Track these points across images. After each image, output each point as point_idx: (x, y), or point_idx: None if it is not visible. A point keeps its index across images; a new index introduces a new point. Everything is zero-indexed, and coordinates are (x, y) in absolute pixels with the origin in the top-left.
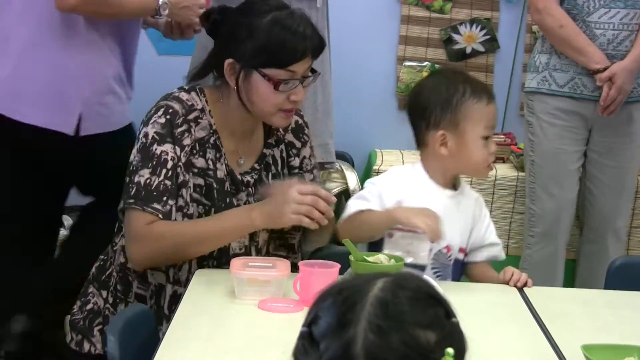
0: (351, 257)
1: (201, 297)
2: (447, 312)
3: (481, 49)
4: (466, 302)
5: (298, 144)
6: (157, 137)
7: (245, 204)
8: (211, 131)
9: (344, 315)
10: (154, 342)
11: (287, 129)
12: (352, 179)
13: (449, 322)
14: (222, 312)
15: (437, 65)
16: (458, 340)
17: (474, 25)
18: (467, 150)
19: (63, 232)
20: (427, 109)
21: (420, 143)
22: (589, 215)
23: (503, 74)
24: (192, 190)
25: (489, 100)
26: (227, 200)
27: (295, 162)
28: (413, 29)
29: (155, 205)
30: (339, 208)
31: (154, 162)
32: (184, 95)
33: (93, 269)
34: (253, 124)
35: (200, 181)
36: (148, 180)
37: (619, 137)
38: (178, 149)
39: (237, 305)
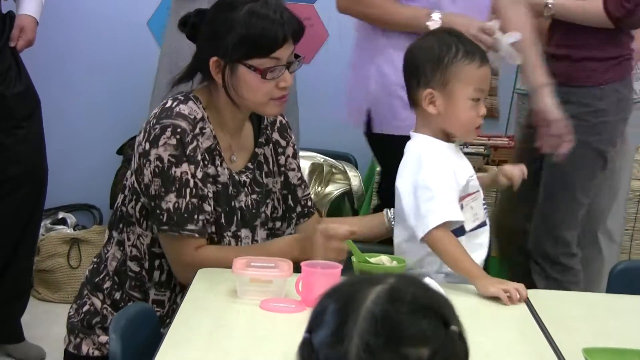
0: (353, 258)
1: (203, 296)
2: (445, 321)
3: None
4: (467, 304)
5: (283, 143)
6: (172, 159)
7: (244, 205)
8: (213, 137)
9: (338, 328)
10: (156, 340)
11: (274, 127)
12: (355, 180)
13: (446, 332)
14: (223, 312)
15: None
16: (454, 351)
17: None
18: (454, 110)
19: (67, 231)
20: (419, 68)
21: (413, 102)
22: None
23: (507, 78)
24: (211, 199)
25: (481, 62)
26: (232, 204)
27: (282, 160)
28: None
29: (190, 227)
30: (342, 210)
31: (177, 185)
32: (184, 109)
33: (87, 272)
34: (242, 120)
35: (213, 188)
36: (176, 205)
37: None
38: (193, 167)
39: (238, 305)
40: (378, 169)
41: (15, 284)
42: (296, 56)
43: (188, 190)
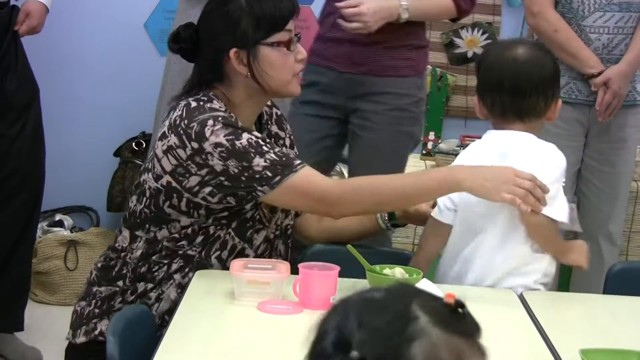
0: (366, 268)
1: (200, 298)
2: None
3: None
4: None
5: (282, 135)
6: (231, 136)
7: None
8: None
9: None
10: (154, 343)
11: (272, 120)
12: None
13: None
14: (221, 314)
15: (438, 70)
16: None
17: (476, 30)
18: None
19: (64, 233)
20: (549, 81)
21: (531, 114)
22: (583, 219)
23: None
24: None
25: None
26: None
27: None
28: None
29: (297, 162)
30: None
31: (253, 150)
32: (215, 105)
33: (92, 276)
34: (256, 114)
35: None
36: (267, 160)
37: (614, 142)
38: (252, 135)
39: (236, 306)
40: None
41: (14, 285)
42: (297, 33)
43: (265, 147)
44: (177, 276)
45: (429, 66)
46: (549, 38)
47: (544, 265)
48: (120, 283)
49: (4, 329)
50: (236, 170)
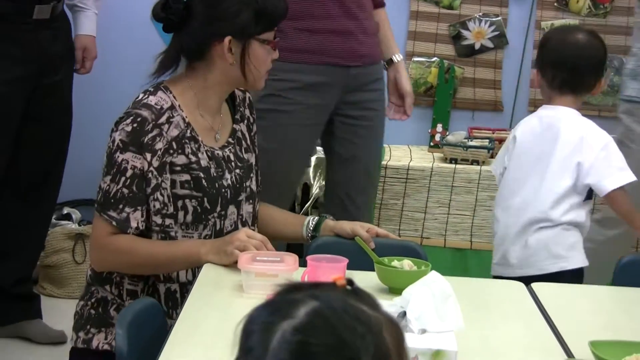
0: (374, 260)
1: (209, 291)
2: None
3: (490, 45)
4: (473, 298)
5: (252, 119)
6: (120, 144)
7: (230, 182)
8: (185, 125)
9: (260, 347)
10: (162, 335)
11: (245, 104)
12: None
13: None
14: (229, 307)
15: (446, 62)
16: None
17: (483, 22)
18: None
19: (72, 226)
20: (601, 64)
21: (583, 89)
22: None
23: (512, 71)
24: (180, 187)
25: None
26: (217, 184)
27: (253, 136)
28: (422, 24)
29: (111, 213)
30: None
31: (114, 170)
32: (152, 100)
33: (88, 275)
34: (222, 99)
35: (186, 176)
36: (108, 187)
37: None
38: (148, 155)
39: (245, 299)
40: (383, 162)
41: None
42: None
43: (122, 179)
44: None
45: (435, 58)
46: None
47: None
48: (108, 287)
49: (32, 315)
50: (102, 171)
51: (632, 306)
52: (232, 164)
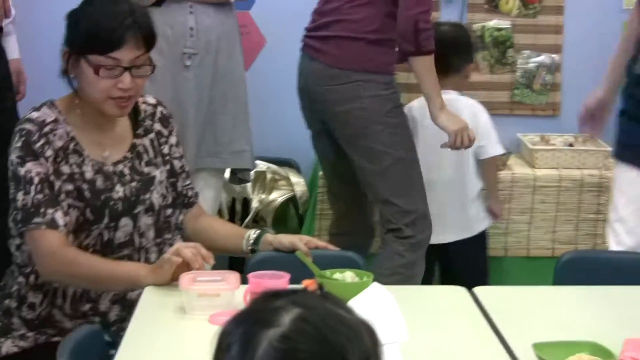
0: (316, 273)
1: (151, 314)
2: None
3: None
4: (416, 306)
5: (166, 132)
6: (18, 160)
7: (122, 196)
8: (68, 139)
9: (244, 358)
10: None
11: (154, 118)
12: (299, 185)
13: None
14: (173, 329)
15: None
16: None
17: None
18: None
19: None
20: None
21: (453, 70)
22: None
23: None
24: (65, 196)
25: None
26: (102, 197)
27: (165, 149)
28: None
29: (36, 220)
30: (287, 216)
31: (22, 184)
32: (34, 115)
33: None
34: (104, 116)
35: (70, 186)
36: (23, 201)
37: None
38: (44, 161)
39: (188, 321)
40: (321, 173)
41: None
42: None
43: (32, 187)
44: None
45: None
46: None
47: None
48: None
49: None
50: (12, 195)
51: (573, 304)
52: (126, 178)
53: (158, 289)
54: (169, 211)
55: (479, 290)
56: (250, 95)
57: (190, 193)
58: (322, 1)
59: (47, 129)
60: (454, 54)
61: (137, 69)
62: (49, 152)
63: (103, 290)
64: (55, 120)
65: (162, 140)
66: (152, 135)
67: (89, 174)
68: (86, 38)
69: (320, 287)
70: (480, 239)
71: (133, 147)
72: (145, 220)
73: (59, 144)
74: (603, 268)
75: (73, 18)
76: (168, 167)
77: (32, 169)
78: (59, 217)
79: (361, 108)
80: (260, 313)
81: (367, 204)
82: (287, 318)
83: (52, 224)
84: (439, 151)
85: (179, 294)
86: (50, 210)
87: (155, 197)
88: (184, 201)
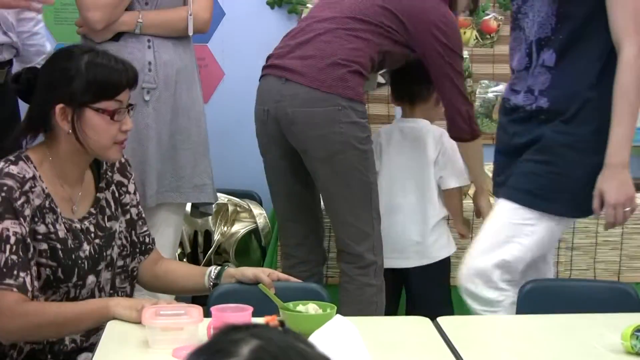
0: (279, 306)
1: (114, 347)
2: None
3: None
4: (380, 335)
5: (125, 182)
6: None
7: (88, 254)
8: (44, 195)
9: None
10: None
11: (113, 169)
12: (260, 217)
13: None
14: None
15: None
16: None
17: None
18: None
19: None
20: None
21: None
22: None
23: None
24: (38, 255)
25: None
26: (73, 256)
27: (126, 199)
28: None
29: (8, 281)
30: (250, 248)
31: None
32: (13, 169)
33: None
34: (83, 168)
35: (45, 245)
36: None
37: None
38: (17, 223)
39: (151, 355)
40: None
41: None
42: (129, 105)
43: (8, 247)
44: None
45: None
46: None
47: None
48: None
49: None
50: None
51: (537, 333)
52: (92, 235)
53: (121, 323)
54: (126, 261)
55: (442, 320)
56: (209, 127)
57: (147, 240)
58: (310, 20)
59: (26, 187)
60: (419, 83)
61: (131, 108)
62: (27, 212)
63: (70, 333)
64: (33, 177)
65: (122, 190)
66: (113, 187)
67: (61, 233)
68: (95, 86)
69: (282, 323)
70: (441, 267)
71: (97, 201)
72: (105, 275)
73: (37, 202)
74: (563, 296)
75: (65, 74)
76: (127, 216)
77: (10, 227)
78: (28, 281)
79: (339, 133)
80: (220, 344)
81: (322, 229)
82: (246, 349)
83: (23, 288)
84: (401, 177)
85: (141, 327)
86: (22, 274)
87: (115, 251)
88: (141, 248)
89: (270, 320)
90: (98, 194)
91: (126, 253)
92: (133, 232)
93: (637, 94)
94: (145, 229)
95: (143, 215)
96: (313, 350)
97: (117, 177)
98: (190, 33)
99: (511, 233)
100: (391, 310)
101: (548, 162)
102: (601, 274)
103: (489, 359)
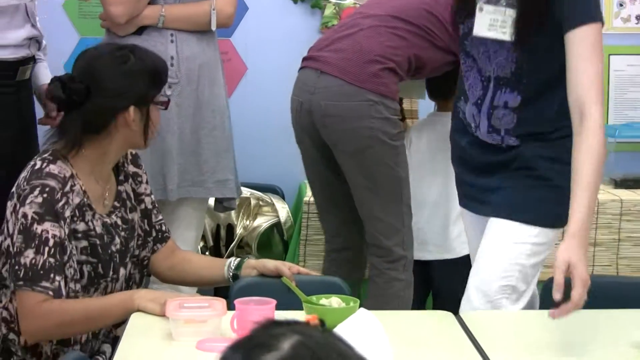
0: (302, 299)
1: (138, 340)
2: None
3: None
4: (403, 332)
5: (140, 172)
6: (36, 216)
7: (119, 247)
8: (82, 193)
9: None
10: None
11: (127, 161)
12: (283, 211)
13: None
14: (160, 356)
15: None
16: None
17: None
18: None
19: None
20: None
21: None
22: None
23: None
24: (79, 253)
25: None
26: (109, 251)
27: (141, 189)
28: None
29: (44, 284)
30: (272, 242)
31: (36, 242)
32: (54, 169)
33: None
34: (115, 164)
35: (85, 243)
36: (33, 261)
37: None
38: (57, 226)
39: (175, 347)
40: (306, 198)
41: None
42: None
43: (47, 249)
44: None
45: None
46: None
47: None
48: None
49: None
50: (16, 249)
51: (558, 329)
52: (119, 228)
53: (144, 316)
54: (140, 250)
55: (465, 315)
56: (232, 121)
57: (164, 227)
58: (356, 16)
59: (67, 186)
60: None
61: None
62: (67, 213)
63: (95, 329)
64: (72, 176)
65: (138, 180)
66: (130, 179)
67: (98, 228)
68: (155, 83)
69: (322, 322)
70: (464, 262)
71: (119, 194)
72: (130, 267)
73: (76, 200)
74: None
75: (127, 78)
76: (142, 206)
77: (50, 230)
78: (62, 286)
79: (369, 128)
80: (260, 338)
81: (359, 220)
82: (286, 344)
83: (58, 292)
84: (429, 171)
85: (165, 320)
86: (58, 278)
87: (136, 242)
88: (157, 236)
89: (311, 319)
90: (119, 187)
91: (140, 242)
92: (147, 221)
93: (602, 162)
94: (160, 217)
95: (156, 204)
96: (352, 350)
97: (132, 168)
98: (214, 27)
99: (517, 253)
100: (418, 305)
101: (538, 177)
102: (624, 270)
103: (511, 354)
